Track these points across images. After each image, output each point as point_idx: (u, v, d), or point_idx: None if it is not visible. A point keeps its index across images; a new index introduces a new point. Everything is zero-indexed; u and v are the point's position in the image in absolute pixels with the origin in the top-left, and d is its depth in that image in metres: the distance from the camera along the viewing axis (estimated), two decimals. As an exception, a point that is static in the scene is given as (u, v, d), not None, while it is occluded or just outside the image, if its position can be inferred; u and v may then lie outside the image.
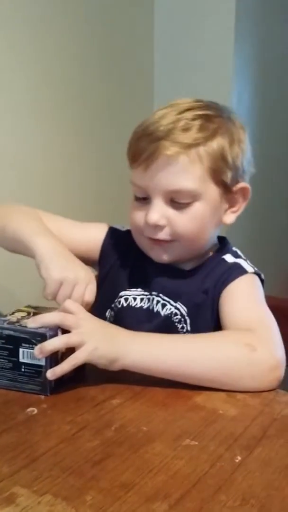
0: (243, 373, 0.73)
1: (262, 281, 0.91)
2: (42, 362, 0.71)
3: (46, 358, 0.71)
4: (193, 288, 0.91)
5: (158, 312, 0.91)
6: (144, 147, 0.85)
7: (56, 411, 0.68)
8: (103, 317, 0.96)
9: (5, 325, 0.74)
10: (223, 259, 0.92)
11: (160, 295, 0.92)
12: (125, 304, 0.94)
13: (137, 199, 0.89)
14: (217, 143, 0.85)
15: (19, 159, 1.26)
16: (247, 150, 0.90)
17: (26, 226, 0.88)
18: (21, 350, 0.73)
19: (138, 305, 0.93)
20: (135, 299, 0.94)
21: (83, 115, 1.39)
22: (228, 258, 0.92)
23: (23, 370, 0.73)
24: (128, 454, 0.58)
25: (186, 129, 0.83)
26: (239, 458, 0.58)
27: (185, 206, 0.85)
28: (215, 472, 0.55)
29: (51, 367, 0.71)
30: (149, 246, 0.90)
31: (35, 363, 0.72)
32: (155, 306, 0.92)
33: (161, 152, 0.83)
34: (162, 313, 0.91)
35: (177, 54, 1.64)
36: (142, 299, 0.94)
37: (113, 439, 0.61)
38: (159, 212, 0.85)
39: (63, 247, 0.85)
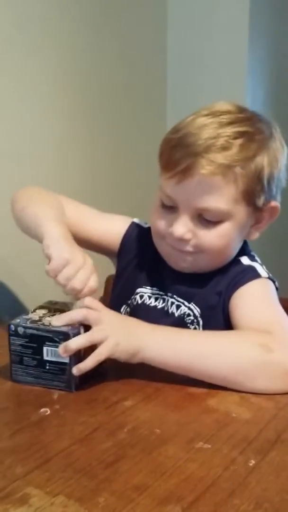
0: (257, 373, 0.73)
1: (276, 288, 0.90)
2: (66, 360, 0.72)
3: (70, 355, 0.72)
4: (207, 289, 0.90)
5: (172, 313, 0.91)
6: (179, 159, 0.82)
7: (69, 412, 0.68)
8: (118, 312, 0.96)
9: (28, 324, 0.75)
10: (239, 260, 0.91)
11: (175, 296, 0.92)
12: (140, 301, 0.94)
13: (164, 206, 0.87)
14: (255, 164, 0.82)
15: (33, 157, 1.26)
16: (283, 169, 0.88)
17: (44, 212, 0.88)
18: (45, 348, 0.74)
19: (153, 304, 0.93)
20: (150, 297, 0.94)
21: (96, 119, 1.40)
22: (244, 260, 0.91)
23: (47, 367, 0.74)
24: (141, 456, 0.58)
25: (225, 148, 0.80)
26: (253, 461, 0.57)
27: (214, 224, 0.84)
28: (229, 476, 0.55)
29: (75, 363, 0.72)
30: (169, 253, 0.89)
31: (59, 360, 0.73)
32: (169, 307, 0.92)
33: (197, 169, 0.80)
34: (176, 314, 0.91)
35: (191, 53, 1.63)
36: (157, 299, 0.93)
37: (126, 441, 0.61)
38: (186, 226, 0.83)
39: (72, 239, 0.84)
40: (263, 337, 0.75)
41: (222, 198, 0.82)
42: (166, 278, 0.93)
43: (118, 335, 0.74)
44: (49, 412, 0.67)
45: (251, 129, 0.84)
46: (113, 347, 0.73)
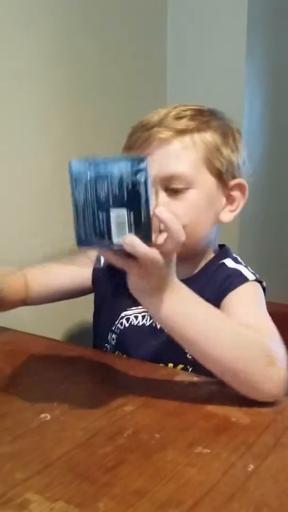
0: (258, 372, 0.69)
1: (263, 288, 0.89)
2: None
3: None
4: None
5: (161, 330, 0.88)
6: (138, 136, 0.86)
7: (69, 417, 0.68)
8: (106, 341, 0.96)
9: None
10: (223, 263, 0.91)
11: None
12: (127, 324, 0.93)
13: None
14: (211, 136, 0.86)
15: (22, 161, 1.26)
16: (242, 150, 0.91)
17: None
18: (123, 211, 0.61)
19: (141, 323, 0.92)
20: (136, 317, 0.93)
21: (91, 127, 1.40)
22: (229, 262, 0.91)
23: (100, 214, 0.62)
24: (141, 461, 0.58)
25: (178, 117, 0.85)
26: (252, 466, 0.57)
27: (181, 193, 0.84)
28: (228, 480, 0.55)
29: None
30: None
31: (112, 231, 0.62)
32: (157, 323, 0.90)
33: (154, 137, 0.84)
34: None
35: (190, 63, 1.64)
36: (144, 317, 0.93)
37: (125, 446, 0.61)
38: (154, 200, 0.82)
39: None
40: (266, 345, 0.71)
41: (183, 162, 0.84)
42: None
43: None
44: (49, 417, 0.68)
45: (203, 109, 0.90)
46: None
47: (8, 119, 1.18)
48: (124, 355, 0.92)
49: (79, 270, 1.02)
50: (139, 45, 1.56)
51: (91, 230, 0.62)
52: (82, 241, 0.63)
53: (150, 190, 0.61)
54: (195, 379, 0.79)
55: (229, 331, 0.71)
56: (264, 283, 0.90)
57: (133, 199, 0.61)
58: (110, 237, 0.62)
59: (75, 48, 1.33)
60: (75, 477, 0.56)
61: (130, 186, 0.61)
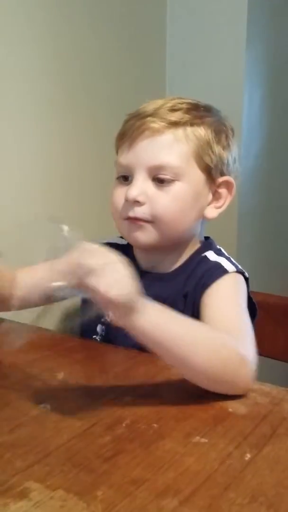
0: (231, 372, 0.70)
1: (246, 279, 0.89)
2: None
3: None
4: (174, 292, 0.89)
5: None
6: (131, 124, 0.87)
7: (68, 407, 0.68)
8: (94, 333, 0.96)
9: None
10: (205, 256, 0.91)
11: None
12: None
13: (119, 179, 0.89)
14: (204, 130, 0.86)
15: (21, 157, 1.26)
16: (233, 148, 0.91)
17: None
18: None
19: None
20: None
21: (90, 120, 1.40)
22: (210, 255, 0.91)
23: None
24: (139, 451, 0.59)
25: (173, 110, 0.86)
26: (249, 456, 0.58)
27: (167, 184, 0.84)
28: (225, 470, 0.56)
29: None
30: (127, 229, 0.88)
31: None
32: None
33: (147, 126, 0.84)
34: None
35: (189, 57, 1.64)
36: None
37: (124, 435, 0.62)
38: (139, 188, 0.84)
39: None
40: (237, 346, 0.71)
41: (173, 154, 0.84)
42: None
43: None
44: (48, 407, 0.68)
45: (199, 104, 0.90)
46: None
47: (8, 112, 1.18)
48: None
49: None
50: (138, 38, 1.55)
51: None
52: None
53: None
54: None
55: (202, 336, 0.71)
56: (246, 274, 0.89)
57: None
58: None
59: (75, 46, 1.33)
60: (74, 466, 0.56)
61: None
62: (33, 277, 1.01)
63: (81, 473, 0.55)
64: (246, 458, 0.58)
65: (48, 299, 1.01)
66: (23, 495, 0.52)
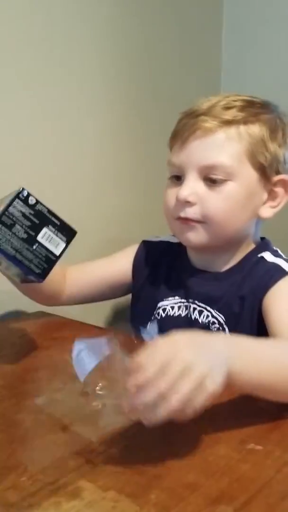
0: None
1: None
2: (57, 252, 0.74)
3: None
4: (228, 293, 0.87)
5: (196, 320, 0.89)
6: (184, 122, 0.86)
7: (118, 408, 0.68)
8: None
9: (42, 201, 0.74)
10: (262, 257, 0.89)
11: (196, 301, 0.90)
12: (163, 315, 0.93)
13: (172, 178, 0.88)
14: (259, 128, 0.84)
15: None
16: None
17: None
18: (44, 229, 0.74)
19: (177, 314, 0.92)
20: (172, 308, 0.93)
21: (144, 115, 1.39)
22: (268, 256, 0.88)
23: (34, 247, 0.73)
24: (192, 455, 0.58)
25: (227, 108, 0.84)
26: (306, 465, 0.56)
27: (219, 184, 0.83)
28: (281, 478, 0.54)
29: None
30: (179, 229, 0.88)
31: (51, 249, 0.74)
32: (192, 313, 0.90)
33: (199, 125, 0.83)
34: (200, 320, 0.88)
35: (246, 53, 1.61)
36: (179, 307, 0.92)
37: (176, 439, 0.61)
38: (191, 188, 0.83)
39: None
40: None
41: (225, 153, 0.82)
42: (185, 282, 0.92)
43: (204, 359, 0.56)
44: (100, 406, 0.68)
45: (255, 100, 0.87)
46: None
47: (64, 103, 1.19)
48: None
49: (124, 260, 1.02)
50: (193, 34, 1.54)
51: None
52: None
53: None
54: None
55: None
56: None
57: None
58: None
59: (130, 40, 1.33)
60: (126, 467, 0.56)
61: None
62: (83, 273, 1.02)
63: (134, 475, 0.54)
64: (303, 468, 0.56)
65: (102, 291, 1.02)
66: (76, 494, 0.52)
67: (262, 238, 0.95)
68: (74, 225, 0.77)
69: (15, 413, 0.68)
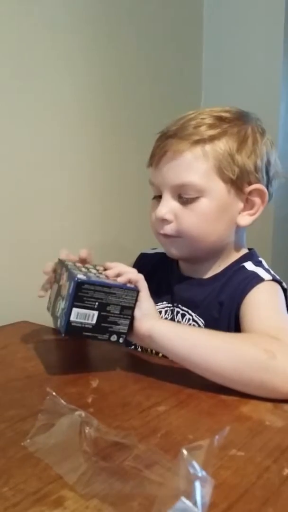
0: (254, 376, 0.70)
1: (284, 289, 0.88)
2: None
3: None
4: (209, 298, 0.91)
5: (178, 322, 0.93)
6: (157, 145, 0.90)
7: (102, 416, 0.68)
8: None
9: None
10: (243, 266, 0.91)
11: (179, 305, 0.94)
12: None
13: (155, 197, 0.93)
14: (225, 142, 0.86)
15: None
16: (264, 153, 0.90)
17: None
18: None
19: (163, 317, 0.96)
20: (160, 312, 0.96)
21: (126, 128, 1.40)
22: (248, 265, 0.91)
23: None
24: (174, 462, 0.58)
25: (196, 127, 0.87)
26: (287, 470, 0.57)
27: (192, 201, 0.87)
28: (262, 484, 0.55)
29: None
30: (163, 243, 0.94)
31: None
32: (175, 316, 0.94)
33: (168, 148, 0.87)
34: (182, 323, 0.92)
35: (225, 64, 1.63)
36: (166, 311, 0.96)
37: (159, 446, 0.61)
38: (166, 206, 0.88)
39: None
40: (270, 342, 0.72)
41: (193, 173, 0.86)
42: (172, 288, 0.97)
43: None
44: (83, 415, 0.68)
45: (226, 114, 0.89)
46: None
47: (46, 116, 1.19)
48: (148, 350, 0.94)
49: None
50: (175, 45, 1.56)
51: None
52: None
53: None
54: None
55: (221, 341, 0.74)
56: (284, 284, 0.89)
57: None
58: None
59: (111, 51, 1.34)
60: (109, 475, 0.56)
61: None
62: None
63: (117, 483, 0.54)
64: (284, 473, 0.56)
65: None
66: (59, 503, 0.52)
67: (250, 249, 0.97)
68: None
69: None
